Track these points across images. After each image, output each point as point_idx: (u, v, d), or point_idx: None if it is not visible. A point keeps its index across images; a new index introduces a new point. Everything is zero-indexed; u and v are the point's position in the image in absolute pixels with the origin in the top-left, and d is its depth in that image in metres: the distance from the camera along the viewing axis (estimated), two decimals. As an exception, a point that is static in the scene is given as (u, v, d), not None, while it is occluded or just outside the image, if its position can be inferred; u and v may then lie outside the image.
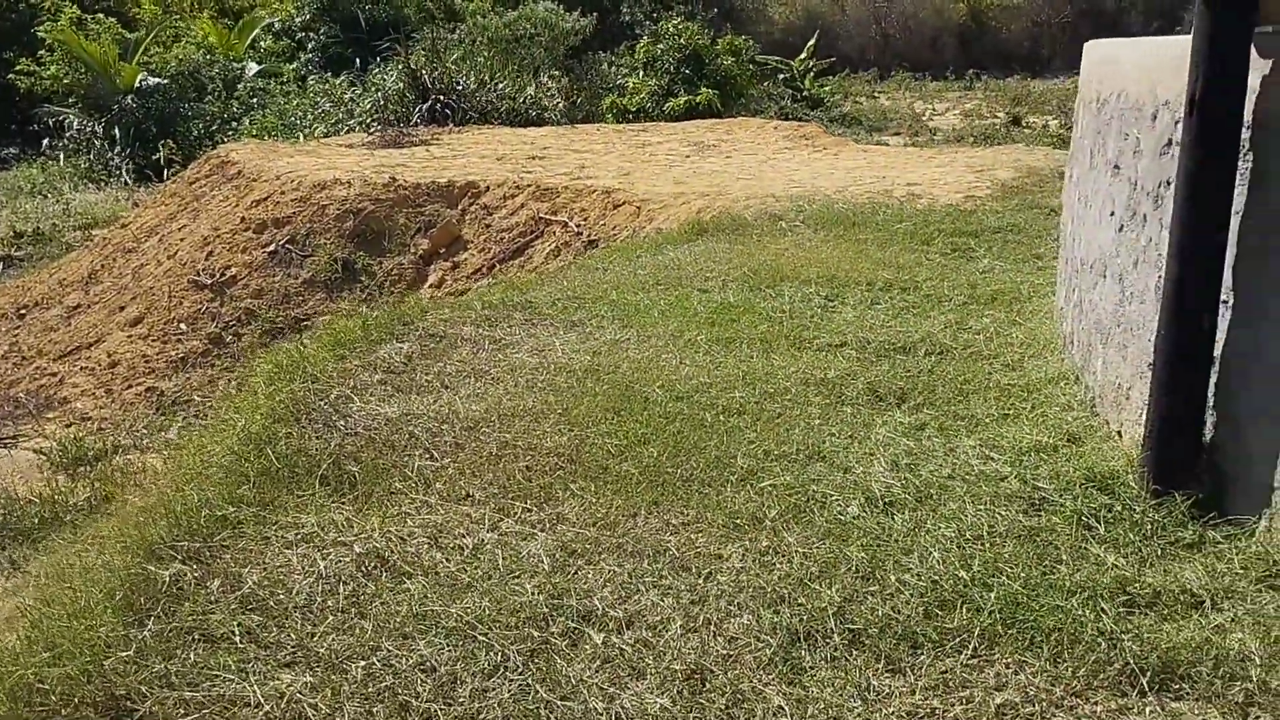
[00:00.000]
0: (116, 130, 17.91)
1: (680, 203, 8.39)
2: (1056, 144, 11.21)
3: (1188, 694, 2.31)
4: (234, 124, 18.03)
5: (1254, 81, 2.91)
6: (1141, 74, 3.63)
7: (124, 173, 17.14)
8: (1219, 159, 2.95)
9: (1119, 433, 3.53)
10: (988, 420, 3.78)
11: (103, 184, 16.93)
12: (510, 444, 3.57)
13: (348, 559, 2.79)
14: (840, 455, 3.48)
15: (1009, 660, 2.40)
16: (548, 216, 9.00)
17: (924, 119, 16.10)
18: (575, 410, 3.84)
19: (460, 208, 9.78)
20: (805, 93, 15.81)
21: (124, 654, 2.37)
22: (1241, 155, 2.95)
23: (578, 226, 8.62)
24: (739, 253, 6.53)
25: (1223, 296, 3.01)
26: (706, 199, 8.35)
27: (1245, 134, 2.94)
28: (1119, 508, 3.06)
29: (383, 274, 9.57)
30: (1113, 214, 3.79)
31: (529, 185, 9.55)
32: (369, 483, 3.28)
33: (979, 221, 7.27)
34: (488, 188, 9.79)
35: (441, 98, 14.45)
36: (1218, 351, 3.03)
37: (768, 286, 5.68)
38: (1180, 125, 3.05)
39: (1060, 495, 3.15)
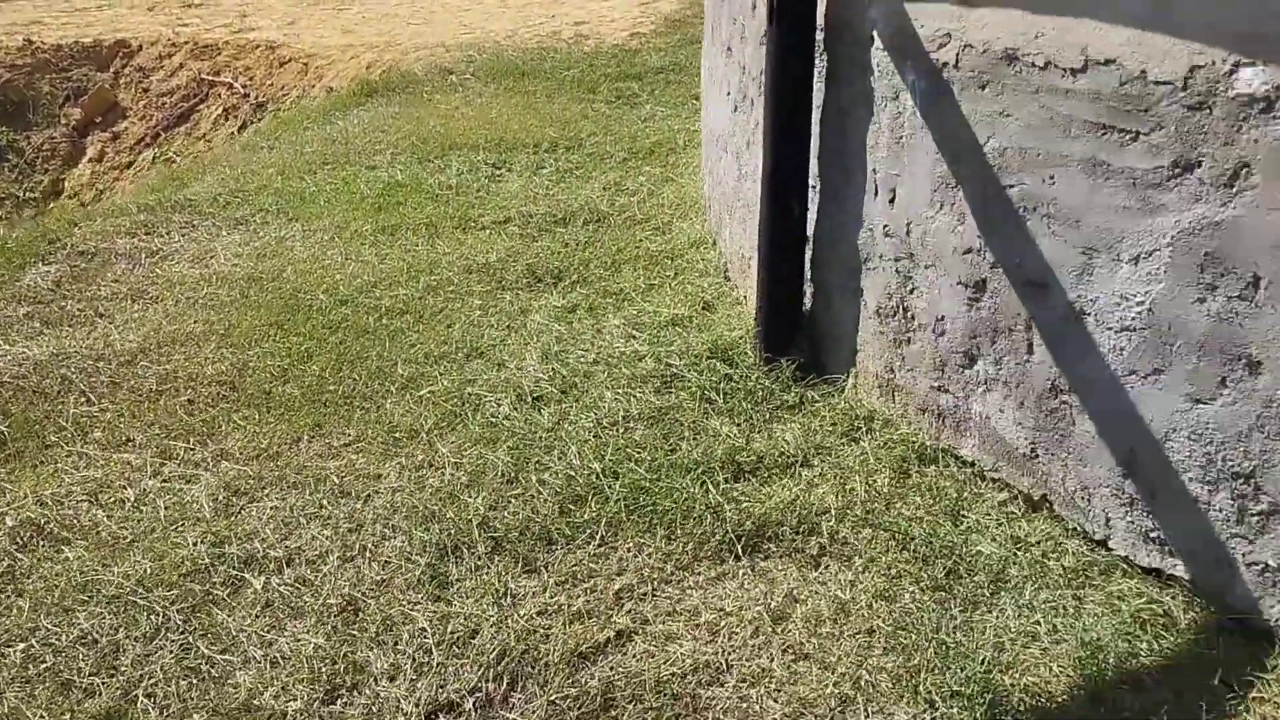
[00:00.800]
0: None
1: (349, 57, 8.14)
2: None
3: (774, 552, 2.71)
4: None
5: (823, -12, 3.19)
6: (742, -39, 3.86)
7: None
8: (799, 59, 3.24)
9: (745, 298, 3.92)
10: (634, 294, 4.09)
11: None
12: (171, 376, 3.58)
13: (1, 533, 2.80)
14: (497, 350, 3.70)
15: (630, 544, 2.73)
16: (210, 78, 8.52)
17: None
18: (238, 329, 3.87)
19: (113, 70, 9.08)
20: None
21: None
22: (818, 56, 3.26)
23: (244, 88, 8.23)
24: (409, 117, 6.50)
25: (812, 182, 3.37)
26: (376, 51, 8.14)
27: (820, 36, 3.24)
28: (737, 377, 3.44)
29: (32, 150, 8.84)
30: (729, 94, 4.08)
31: (186, 42, 8.96)
32: (20, 439, 3.23)
33: (643, 62, 7.49)
34: (141, 46, 9.11)
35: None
36: (810, 231, 3.41)
37: (436, 157, 5.74)
38: (770, 23, 3.31)
39: (689, 370, 3.49)
